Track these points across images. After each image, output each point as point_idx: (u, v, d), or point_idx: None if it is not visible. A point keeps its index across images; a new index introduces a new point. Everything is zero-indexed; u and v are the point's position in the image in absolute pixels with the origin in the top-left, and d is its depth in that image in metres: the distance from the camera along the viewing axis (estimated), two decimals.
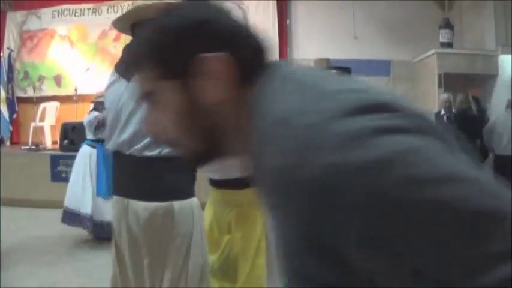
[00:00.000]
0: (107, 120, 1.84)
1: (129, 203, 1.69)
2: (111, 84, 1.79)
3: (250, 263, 2.00)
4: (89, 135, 4.76)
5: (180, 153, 0.68)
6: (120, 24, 1.80)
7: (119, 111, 1.72)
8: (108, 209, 4.57)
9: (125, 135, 1.69)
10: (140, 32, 1.69)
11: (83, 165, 4.65)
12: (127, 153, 1.70)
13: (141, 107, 1.61)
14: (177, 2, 0.67)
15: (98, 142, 4.67)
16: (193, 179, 1.79)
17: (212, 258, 1.99)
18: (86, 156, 4.68)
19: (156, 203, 1.66)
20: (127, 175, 1.72)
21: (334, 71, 4.16)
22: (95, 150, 4.68)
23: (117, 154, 1.75)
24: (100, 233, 4.45)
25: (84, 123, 4.76)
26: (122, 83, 1.73)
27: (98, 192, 4.58)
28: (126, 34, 1.85)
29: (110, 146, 1.78)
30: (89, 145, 4.75)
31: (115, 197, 1.79)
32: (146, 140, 1.64)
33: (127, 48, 1.78)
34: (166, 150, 1.63)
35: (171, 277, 1.71)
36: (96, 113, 4.69)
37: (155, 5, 1.65)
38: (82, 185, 4.58)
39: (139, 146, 1.66)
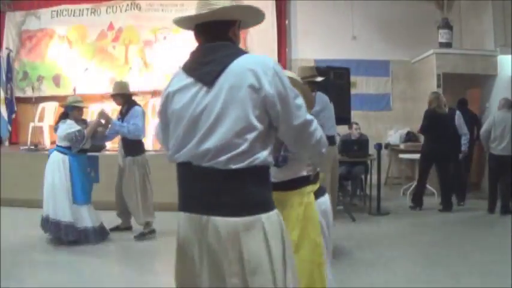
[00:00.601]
0: (172, 127, 1.64)
1: (209, 220, 1.51)
2: (184, 87, 1.60)
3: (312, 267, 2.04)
4: (63, 143, 4.63)
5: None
6: (184, 24, 1.70)
7: (196, 117, 1.54)
8: (83, 215, 4.57)
9: (209, 144, 1.50)
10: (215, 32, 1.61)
11: (58, 172, 4.56)
12: (205, 165, 1.51)
13: (228, 113, 1.49)
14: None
15: (69, 149, 4.61)
16: (270, 188, 1.63)
17: None
18: (58, 163, 4.58)
19: (243, 217, 1.49)
20: (205, 190, 1.53)
21: (319, 78, 4.12)
22: (66, 157, 4.59)
23: (187, 166, 1.56)
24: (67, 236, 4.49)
25: (60, 134, 4.62)
26: (200, 87, 1.56)
27: (76, 200, 4.56)
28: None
29: (182, 156, 1.57)
30: (60, 152, 4.63)
31: (185, 215, 1.58)
32: (234, 152, 1.48)
33: (205, 52, 1.62)
34: (256, 161, 1.50)
35: None
36: (72, 124, 4.58)
37: (218, 10, 1.57)
38: (59, 193, 4.52)
39: (224, 158, 1.48)
